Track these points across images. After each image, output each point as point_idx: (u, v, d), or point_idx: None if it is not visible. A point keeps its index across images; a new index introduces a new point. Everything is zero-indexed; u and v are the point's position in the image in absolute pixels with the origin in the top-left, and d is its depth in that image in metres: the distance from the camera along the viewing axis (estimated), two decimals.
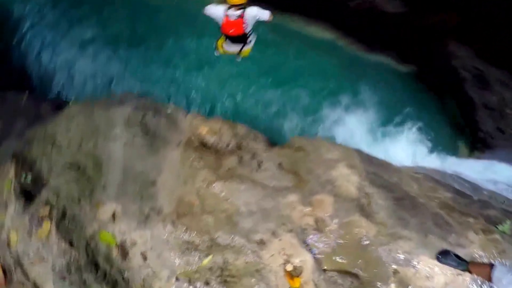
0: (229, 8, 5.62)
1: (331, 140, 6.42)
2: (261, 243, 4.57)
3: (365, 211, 5.00)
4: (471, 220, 5.23)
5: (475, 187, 7.22)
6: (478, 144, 11.28)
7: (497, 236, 4.94)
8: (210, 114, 9.64)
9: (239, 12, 5.61)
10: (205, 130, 5.93)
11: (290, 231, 4.66)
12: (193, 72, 11.97)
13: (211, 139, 5.86)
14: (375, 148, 10.61)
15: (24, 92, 7.77)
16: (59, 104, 7.32)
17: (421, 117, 11.83)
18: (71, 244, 4.38)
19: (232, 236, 4.61)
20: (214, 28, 6.16)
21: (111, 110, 6.02)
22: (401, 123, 11.70)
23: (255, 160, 5.48)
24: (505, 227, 5.12)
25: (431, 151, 11.22)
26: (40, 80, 11.70)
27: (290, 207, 4.89)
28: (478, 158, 10.71)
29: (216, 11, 5.79)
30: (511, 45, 10.01)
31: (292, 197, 4.95)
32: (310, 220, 4.80)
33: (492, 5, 9.94)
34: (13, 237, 4.47)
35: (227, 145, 5.80)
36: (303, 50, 12.86)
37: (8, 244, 4.47)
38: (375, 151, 6.17)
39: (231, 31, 5.87)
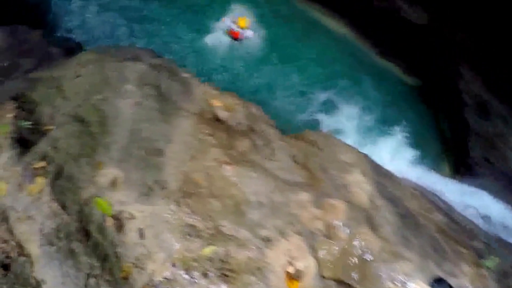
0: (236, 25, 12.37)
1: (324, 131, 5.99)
2: (267, 240, 4.10)
3: (373, 224, 4.59)
4: (464, 250, 5.03)
5: (450, 208, 7.07)
6: (462, 168, 11.24)
7: (484, 271, 4.84)
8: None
9: (239, 29, 12.27)
10: (219, 103, 5.42)
11: (299, 233, 4.21)
12: (208, 48, 12.00)
13: (224, 114, 5.34)
14: (362, 145, 10.37)
15: (37, 30, 7.18)
16: (71, 48, 6.78)
17: (413, 128, 11.91)
18: (63, 206, 3.81)
19: (238, 227, 4.12)
20: None
21: (125, 64, 5.43)
22: (392, 129, 11.77)
23: (268, 147, 4.99)
24: (489, 262, 5.06)
25: (416, 162, 11.20)
26: (55, 21, 11.02)
27: (301, 206, 4.43)
28: (459, 180, 10.67)
29: (228, 23, 12.55)
30: None
31: (304, 196, 4.47)
32: (320, 225, 4.35)
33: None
34: (2, 187, 3.90)
35: (239, 123, 5.29)
36: (315, 40, 12.76)
37: None
38: (363, 148, 6.01)
39: (232, 35, 12.45)
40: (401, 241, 4.63)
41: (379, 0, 10.94)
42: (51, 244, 3.63)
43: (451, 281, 4.49)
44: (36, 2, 11.03)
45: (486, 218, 8.06)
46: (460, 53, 10.53)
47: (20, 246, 3.70)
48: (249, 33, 12.35)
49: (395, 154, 10.84)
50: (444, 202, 7.02)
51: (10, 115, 4.34)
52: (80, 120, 4.56)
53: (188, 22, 12.05)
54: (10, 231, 3.74)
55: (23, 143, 4.18)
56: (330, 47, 12.35)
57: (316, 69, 11.88)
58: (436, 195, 7.29)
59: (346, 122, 11.38)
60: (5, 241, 3.69)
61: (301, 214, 4.35)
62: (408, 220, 4.87)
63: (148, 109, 4.92)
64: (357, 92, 11.74)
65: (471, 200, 8.65)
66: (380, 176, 5.17)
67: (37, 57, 5.82)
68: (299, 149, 4.97)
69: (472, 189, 9.45)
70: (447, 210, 5.97)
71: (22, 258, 3.60)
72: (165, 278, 3.78)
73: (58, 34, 10.45)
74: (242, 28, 12.17)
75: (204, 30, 11.94)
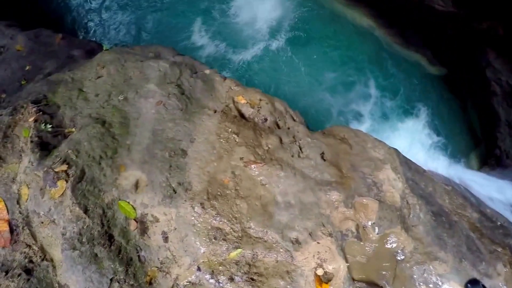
0: None
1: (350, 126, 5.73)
2: (296, 242, 3.93)
3: (405, 224, 4.37)
4: (500, 249, 4.71)
5: (481, 203, 6.75)
6: (491, 160, 10.74)
7: None
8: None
9: None
10: (244, 100, 5.25)
11: (330, 234, 4.02)
12: (229, 43, 11.60)
13: (249, 111, 5.19)
14: (388, 138, 10.38)
15: (58, 33, 7.18)
16: (92, 49, 6.71)
17: (440, 119, 11.47)
18: (86, 210, 3.73)
19: (266, 229, 3.96)
20: None
21: (146, 63, 5.33)
22: (418, 121, 11.28)
23: (295, 144, 4.81)
24: None
25: (443, 153, 10.73)
26: (76, 23, 11.21)
27: (331, 206, 4.24)
28: (488, 173, 10.21)
29: None
30: None
31: (334, 195, 4.28)
32: (351, 225, 4.15)
33: None
34: (24, 192, 3.83)
35: (265, 120, 5.12)
36: (337, 32, 12.38)
37: (19, 200, 3.84)
38: (389, 141, 5.79)
39: None
40: (435, 241, 4.38)
41: None
42: (74, 248, 3.56)
43: (486, 282, 4.26)
44: (56, 5, 11.23)
45: None
46: (487, 40, 10.07)
47: (43, 250, 3.68)
48: None
49: (421, 146, 10.51)
50: (475, 197, 6.68)
51: (31, 119, 4.27)
52: (102, 122, 4.47)
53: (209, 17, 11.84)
54: (33, 236, 3.70)
55: (44, 146, 4.13)
56: (353, 38, 12.08)
57: (339, 61, 11.58)
58: (467, 189, 6.95)
59: (371, 114, 11.05)
60: (28, 246, 3.67)
61: (331, 215, 4.16)
62: (441, 219, 4.62)
63: (171, 108, 4.81)
64: (382, 83, 11.44)
65: (500, 194, 8.24)
66: (411, 171, 4.94)
67: (60, 59, 5.81)
68: (327, 146, 4.76)
69: (502, 182, 9.00)
70: (479, 206, 5.66)
71: (45, 263, 3.55)
72: (190, 282, 3.64)
73: (80, 36, 10.52)
74: None
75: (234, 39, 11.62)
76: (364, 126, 10.44)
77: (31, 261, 3.63)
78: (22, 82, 5.66)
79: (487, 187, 8.22)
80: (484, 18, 10.15)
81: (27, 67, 5.94)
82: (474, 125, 11.42)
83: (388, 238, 4.23)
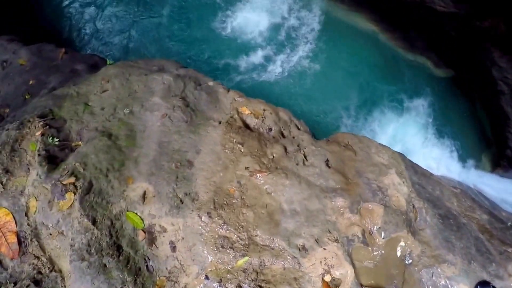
0: None
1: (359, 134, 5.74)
2: (303, 249, 3.95)
3: (412, 227, 4.39)
4: (510, 250, 4.68)
5: (493, 205, 6.70)
6: (503, 161, 10.62)
7: None
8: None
9: None
10: (248, 111, 5.29)
11: (336, 240, 4.04)
12: (231, 53, 11.56)
13: (253, 121, 5.23)
14: (396, 142, 10.40)
15: (61, 47, 7.24)
16: (95, 63, 6.77)
17: (449, 121, 11.39)
18: (94, 221, 3.76)
19: (273, 237, 3.97)
20: None
21: (151, 77, 5.39)
22: (426, 124, 11.22)
23: (300, 152, 4.84)
24: None
25: (454, 157, 10.68)
26: (78, 37, 11.30)
27: (337, 212, 4.26)
28: (500, 175, 10.09)
29: None
30: None
31: (339, 201, 4.31)
32: (357, 231, 4.17)
33: None
34: (33, 204, 3.86)
35: (270, 130, 5.17)
36: (341, 37, 12.32)
37: (27, 212, 3.86)
38: (397, 145, 5.71)
39: None
40: (443, 243, 4.41)
41: None
42: (82, 259, 3.58)
43: (496, 283, 4.24)
44: (60, 19, 11.38)
45: None
46: (490, 38, 9.99)
47: (51, 261, 3.71)
48: None
49: (432, 150, 10.44)
50: (487, 199, 6.65)
51: (38, 133, 4.32)
52: (108, 135, 4.51)
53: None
54: (42, 248, 3.73)
55: (52, 160, 4.17)
56: (357, 44, 12.01)
57: (343, 68, 11.52)
58: (477, 192, 6.91)
59: (377, 119, 10.96)
60: (37, 257, 3.70)
61: (337, 221, 4.19)
62: (449, 221, 4.64)
63: (176, 120, 4.85)
64: (387, 88, 11.38)
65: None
66: (418, 175, 4.97)
67: (63, 74, 5.84)
68: (332, 153, 4.81)
69: None
70: (490, 208, 5.65)
71: (54, 274, 3.58)
72: None
73: (82, 51, 10.58)
74: None
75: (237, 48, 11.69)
76: (371, 132, 10.42)
77: (39, 272, 3.65)
78: (26, 97, 5.71)
79: (500, 190, 8.10)
80: (485, 16, 10.11)
81: (31, 82, 5.99)
82: (484, 126, 11.35)
83: (395, 242, 4.25)
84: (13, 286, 3.50)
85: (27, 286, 3.51)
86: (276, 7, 12.29)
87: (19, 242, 3.73)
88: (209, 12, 12.16)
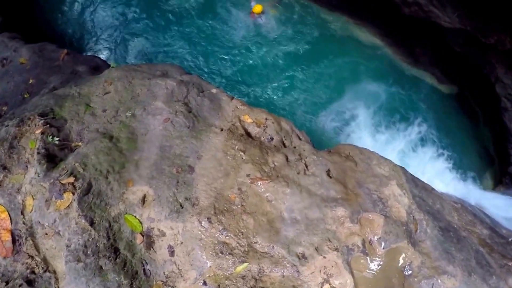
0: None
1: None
2: (303, 257, 3.89)
3: (412, 238, 4.35)
4: (511, 264, 4.70)
5: (494, 222, 6.66)
6: (505, 178, 10.57)
7: None
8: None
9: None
10: (250, 119, 5.23)
11: (336, 249, 3.98)
12: (234, 59, 11.66)
13: (255, 130, 5.18)
14: (398, 157, 10.41)
15: (63, 48, 7.18)
16: (97, 65, 6.72)
17: (451, 138, 11.41)
18: (91, 223, 3.67)
19: (272, 244, 3.91)
20: None
21: (154, 81, 5.34)
22: (428, 140, 11.24)
23: (301, 162, 4.79)
24: None
25: (455, 174, 10.63)
26: (81, 39, 11.27)
27: (337, 222, 4.21)
28: (502, 192, 10.03)
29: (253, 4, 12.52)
30: None
31: (340, 211, 4.26)
32: (357, 240, 4.12)
33: None
34: (29, 202, 3.77)
35: (271, 139, 5.11)
36: (343, 51, 12.39)
37: (23, 210, 3.76)
38: (399, 159, 5.65)
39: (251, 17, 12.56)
40: (443, 255, 4.39)
41: (408, 6, 10.47)
42: (78, 260, 3.50)
43: None
44: (62, 20, 11.41)
45: None
46: (495, 55, 9.98)
47: (45, 262, 3.62)
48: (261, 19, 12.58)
49: (434, 167, 10.37)
50: (487, 216, 6.60)
51: (38, 131, 4.24)
52: (109, 137, 4.45)
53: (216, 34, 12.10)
54: (37, 247, 3.65)
55: (51, 159, 4.10)
56: (362, 58, 12.08)
57: (347, 81, 11.58)
58: (478, 208, 6.86)
59: (379, 133, 11.03)
60: (31, 257, 3.60)
61: (337, 230, 4.14)
62: (449, 234, 4.64)
63: (178, 125, 4.81)
64: (391, 103, 11.44)
65: None
66: (418, 188, 4.97)
67: (64, 74, 5.78)
68: (333, 163, 4.78)
69: None
70: (491, 224, 5.61)
71: (48, 274, 3.48)
72: None
73: (84, 52, 10.54)
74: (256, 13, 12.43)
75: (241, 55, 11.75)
76: (373, 145, 10.36)
77: (33, 272, 3.55)
78: (25, 95, 5.63)
79: (502, 208, 8.02)
80: (490, 32, 10.10)
81: (31, 81, 5.92)
82: (487, 143, 11.33)
83: (395, 253, 4.21)
84: (5, 285, 3.39)
85: (19, 286, 3.42)
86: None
87: (13, 241, 3.64)
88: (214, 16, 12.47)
